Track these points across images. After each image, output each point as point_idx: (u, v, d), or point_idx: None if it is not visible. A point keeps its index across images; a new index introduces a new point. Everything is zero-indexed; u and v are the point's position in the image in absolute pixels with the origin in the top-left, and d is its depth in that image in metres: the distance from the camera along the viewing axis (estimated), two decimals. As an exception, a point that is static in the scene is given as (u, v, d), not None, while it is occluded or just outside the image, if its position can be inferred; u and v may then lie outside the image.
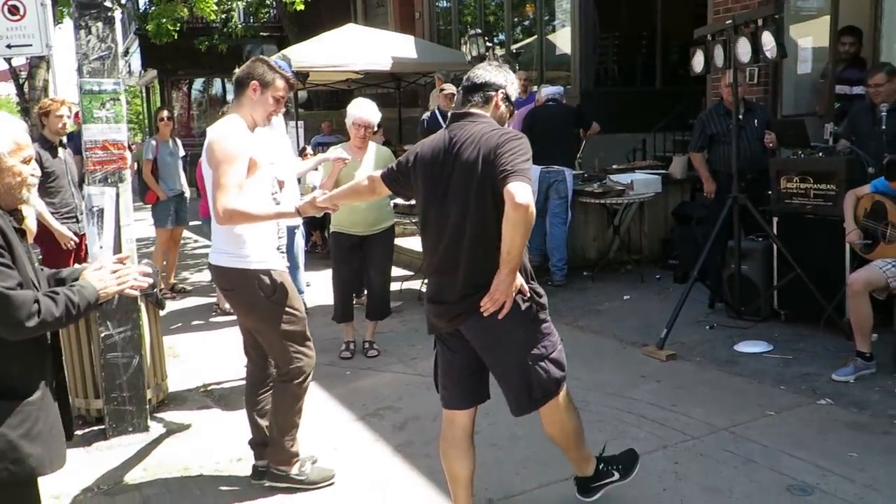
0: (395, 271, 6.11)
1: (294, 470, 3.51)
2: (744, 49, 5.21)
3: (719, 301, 6.00)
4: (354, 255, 5.30)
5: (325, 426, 4.20)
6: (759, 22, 5.16)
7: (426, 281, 6.78)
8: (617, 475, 3.16)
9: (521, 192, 2.52)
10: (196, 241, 10.94)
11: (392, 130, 12.34)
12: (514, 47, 12.31)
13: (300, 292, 4.63)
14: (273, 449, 3.51)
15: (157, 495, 3.54)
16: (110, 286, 2.27)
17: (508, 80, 2.93)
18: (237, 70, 3.48)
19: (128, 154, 4.15)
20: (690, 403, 4.28)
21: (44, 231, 5.28)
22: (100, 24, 3.97)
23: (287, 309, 3.38)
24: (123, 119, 4.07)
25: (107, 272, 2.30)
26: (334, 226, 5.33)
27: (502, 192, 2.56)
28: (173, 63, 19.77)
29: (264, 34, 19.33)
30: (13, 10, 6.49)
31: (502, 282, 2.62)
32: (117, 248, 3.99)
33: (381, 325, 5.60)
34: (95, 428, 4.24)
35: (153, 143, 7.49)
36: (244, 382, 3.76)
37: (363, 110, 5.15)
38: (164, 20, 10.58)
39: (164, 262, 7.68)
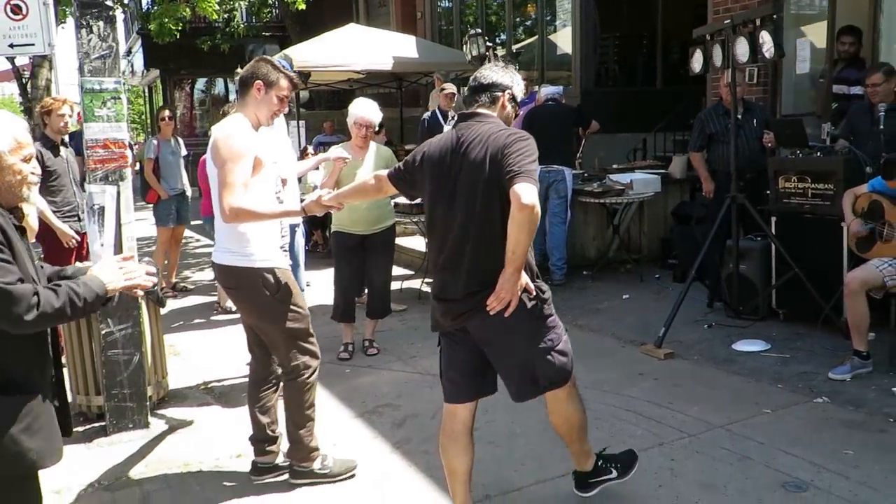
0: (396, 270, 6.14)
1: (316, 465, 3.55)
2: (742, 49, 5.24)
3: (718, 300, 6.02)
4: (355, 254, 5.32)
5: (325, 423, 4.20)
6: (758, 22, 5.17)
7: (427, 280, 6.76)
8: (615, 473, 3.20)
9: (527, 193, 2.55)
10: (197, 240, 10.97)
11: (393, 130, 12.35)
12: (515, 47, 12.32)
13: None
14: (293, 447, 3.53)
15: (158, 491, 3.57)
16: (118, 281, 2.29)
17: (515, 81, 2.97)
18: (240, 70, 3.50)
19: (129, 152, 4.19)
20: (687, 401, 4.31)
21: (46, 229, 5.32)
22: (101, 24, 4.01)
23: (291, 307, 3.41)
24: (124, 117, 4.11)
25: (115, 267, 2.32)
26: (335, 225, 5.35)
27: (509, 192, 2.60)
28: (176, 63, 19.80)
29: (266, 34, 19.32)
30: (16, 10, 6.52)
31: (507, 280, 2.65)
32: (118, 245, 4.03)
33: (381, 323, 5.63)
34: (96, 424, 4.28)
35: (155, 142, 7.53)
36: (245, 380, 3.78)
37: (364, 110, 5.17)
38: (167, 20, 10.60)
39: (166, 261, 7.72)
